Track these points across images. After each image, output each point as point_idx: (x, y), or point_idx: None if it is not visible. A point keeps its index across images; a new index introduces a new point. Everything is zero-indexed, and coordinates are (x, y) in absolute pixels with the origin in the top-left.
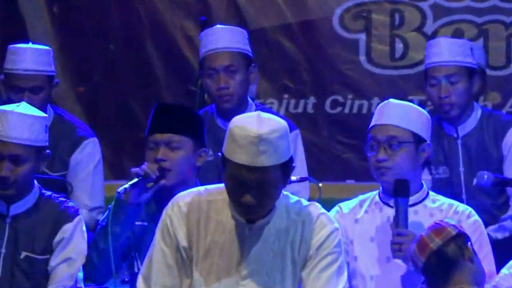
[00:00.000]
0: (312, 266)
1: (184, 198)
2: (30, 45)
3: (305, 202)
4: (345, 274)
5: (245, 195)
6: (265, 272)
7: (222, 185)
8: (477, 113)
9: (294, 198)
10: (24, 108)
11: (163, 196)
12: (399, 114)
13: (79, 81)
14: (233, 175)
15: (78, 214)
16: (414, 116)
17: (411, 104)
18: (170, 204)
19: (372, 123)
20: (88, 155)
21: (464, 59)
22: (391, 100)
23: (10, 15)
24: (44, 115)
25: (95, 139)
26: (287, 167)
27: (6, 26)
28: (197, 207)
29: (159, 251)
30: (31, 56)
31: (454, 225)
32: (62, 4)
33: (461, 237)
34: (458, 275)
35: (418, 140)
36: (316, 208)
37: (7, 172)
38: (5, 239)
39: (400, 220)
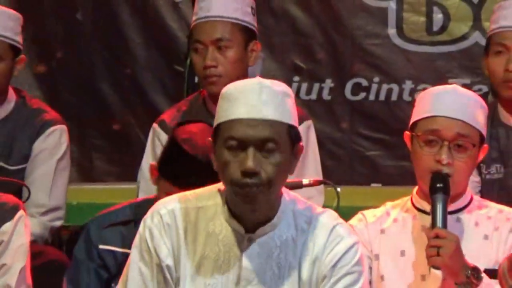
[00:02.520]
0: (328, 283)
1: (166, 205)
2: None
3: (318, 209)
4: None
5: (244, 162)
6: None
7: (212, 187)
8: None
9: (304, 204)
10: None
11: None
12: (468, 107)
13: (39, 60)
14: (229, 141)
15: (19, 210)
16: (480, 111)
17: (474, 94)
18: (149, 213)
19: (428, 113)
20: (54, 145)
21: None
22: (455, 87)
23: None
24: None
25: (64, 127)
26: (295, 136)
27: None
28: (183, 216)
29: (136, 273)
30: None
31: None
32: None
33: None
34: None
35: (482, 141)
36: (332, 216)
37: None
38: None
39: (437, 220)
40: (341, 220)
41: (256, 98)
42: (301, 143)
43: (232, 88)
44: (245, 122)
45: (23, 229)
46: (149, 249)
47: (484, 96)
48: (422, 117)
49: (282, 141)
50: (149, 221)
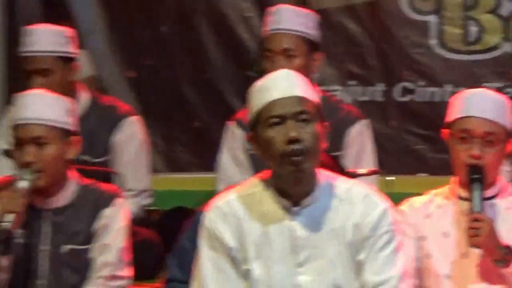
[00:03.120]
0: (369, 247)
1: (222, 198)
2: (39, 25)
3: (350, 181)
4: (405, 252)
5: (287, 133)
6: (322, 256)
7: (252, 179)
8: None
9: (337, 178)
10: (42, 91)
11: None
12: (495, 107)
13: (129, 66)
14: (269, 120)
15: (119, 197)
16: (506, 110)
17: (500, 96)
18: (208, 209)
19: (461, 114)
20: (131, 134)
21: None
22: (484, 90)
23: None
24: (63, 98)
25: (137, 117)
26: (321, 113)
27: (48, 7)
28: (238, 203)
29: (207, 260)
30: (37, 37)
31: None
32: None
33: None
34: None
35: (508, 136)
36: (364, 186)
37: (31, 157)
38: (47, 235)
39: (475, 206)
40: (372, 189)
41: (285, 81)
42: (326, 122)
43: (260, 82)
44: (281, 101)
45: (122, 214)
46: (216, 237)
47: None
48: (456, 117)
49: (313, 114)
50: (210, 213)
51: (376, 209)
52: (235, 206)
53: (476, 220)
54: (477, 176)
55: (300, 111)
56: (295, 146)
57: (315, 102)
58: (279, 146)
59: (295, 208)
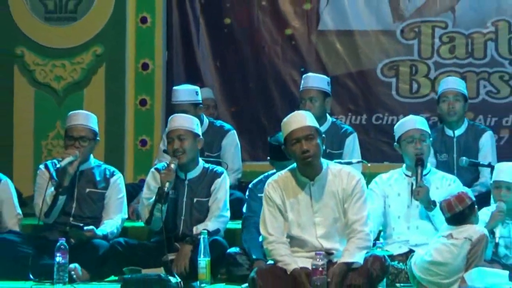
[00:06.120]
0: (349, 200)
1: (272, 178)
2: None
3: (340, 165)
4: (369, 203)
5: (303, 146)
6: (328, 207)
7: (284, 170)
8: (465, 123)
9: (334, 164)
10: (186, 115)
11: None
12: (421, 122)
13: (231, 105)
14: (293, 141)
15: (223, 173)
16: (426, 123)
17: (423, 118)
18: (266, 184)
19: (407, 128)
20: (231, 141)
21: (463, 90)
22: (415, 116)
23: (189, 64)
24: (195, 118)
25: (235, 132)
26: (320, 133)
27: (187, 70)
28: (281, 181)
29: (267, 210)
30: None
31: (470, 197)
32: (222, 60)
33: (474, 203)
34: (469, 220)
35: (429, 136)
36: (348, 168)
37: (177, 145)
38: (185, 193)
39: (419, 179)
40: (352, 169)
41: (299, 118)
42: (323, 136)
43: (285, 119)
44: (297, 130)
45: (225, 183)
46: (271, 198)
47: None
48: (405, 130)
49: (315, 134)
50: (267, 187)
51: (353, 179)
52: (280, 183)
53: (419, 186)
54: (420, 162)
55: (307, 134)
56: (306, 154)
57: (315, 127)
58: (298, 155)
59: (311, 182)
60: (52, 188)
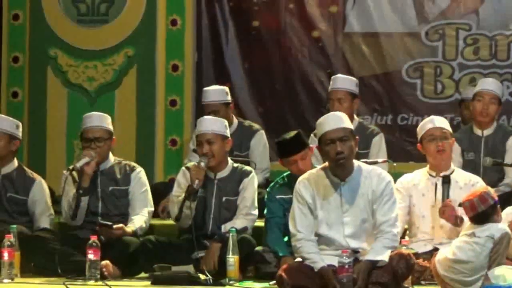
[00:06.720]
0: (379, 201)
1: (304, 177)
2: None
3: (370, 166)
4: (397, 205)
5: (337, 148)
6: (357, 207)
7: (315, 168)
8: (495, 123)
9: (365, 165)
10: (214, 117)
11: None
12: (443, 122)
13: (259, 105)
14: (327, 141)
15: (251, 172)
16: (447, 123)
17: (444, 118)
18: (297, 181)
19: (428, 127)
20: (259, 141)
21: (499, 93)
22: (437, 116)
23: (218, 65)
24: (224, 120)
25: (263, 132)
26: (354, 135)
27: (216, 71)
28: (313, 180)
29: (297, 208)
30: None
31: (493, 197)
32: (250, 62)
33: (496, 203)
34: (491, 219)
35: (452, 136)
36: (378, 169)
37: (206, 149)
38: (214, 192)
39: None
40: (383, 170)
41: (334, 119)
42: (357, 137)
43: (321, 119)
44: (332, 131)
45: (253, 182)
46: (301, 196)
47: None
48: (427, 129)
49: (349, 136)
50: (298, 184)
51: (383, 181)
52: (311, 181)
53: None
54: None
55: (342, 136)
56: (340, 156)
57: (350, 129)
58: (332, 156)
59: (342, 183)
60: (74, 190)
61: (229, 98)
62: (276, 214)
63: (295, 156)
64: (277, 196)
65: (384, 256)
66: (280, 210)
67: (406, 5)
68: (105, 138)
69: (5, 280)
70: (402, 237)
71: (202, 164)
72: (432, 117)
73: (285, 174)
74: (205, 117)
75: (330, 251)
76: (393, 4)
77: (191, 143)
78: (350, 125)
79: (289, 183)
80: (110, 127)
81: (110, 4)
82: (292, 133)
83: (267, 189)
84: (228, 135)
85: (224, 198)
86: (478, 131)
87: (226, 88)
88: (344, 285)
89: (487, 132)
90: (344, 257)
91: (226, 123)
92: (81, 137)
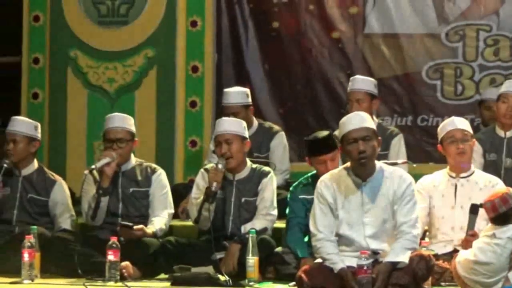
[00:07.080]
0: (399, 202)
1: (325, 176)
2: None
3: (392, 167)
4: (417, 206)
5: (359, 147)
6: (378, 208)
7: (341, 167)
8: None
9: (387, 165)
10: (234, 118)
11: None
12: (464, 123)
13: (279, 106)
14: (350, 140)
15: (270, 173)
16: (468, 124)
17: (465, 119)
18: (319, 181)
19: (449, 128)
20: (279, 142)
21: None
22: (458, 117)
23: (238, 66)
24: (243, 121)
25: (283, 133)
26: (377, 135)
27: (236, 72)
28: (334, 180)
29: (318, 207)
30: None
31: None
32: (270, 63)
33: None
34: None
35: (472, 137)
36: (400, 170)
37: (224, 150)
38: (233, 193)
39: (470, 227)
40: (404, 171)
41: (357, 119)
42: (379, 138)
43: (344, 118)
44: (354, 130)
45: (272, 183)
46: (323, 196)
47: None
48: (447, 130)
49: (372, 136)
50: (319, 184)
51: (405, 183)
52: (333, 181)
53: (471, 235)
54: (474, 211)
55: (365, 136)
56: (362, 155)
57: (373, 129)
58: (355, 155)
59: (363, 183)
60: (94, 190)
61: (249, 100)
62: (298, 214)
63: (325, 156)
64: (300, 196)
65: (404, 258)
66: (302, 210)
67: (426, 6)
68: (127, 139)
69: (26, 281)
70: (422, 238)
71: (220, 166)
72: (453, 118)
73: (309, 174)
74: (224, 118)
75: (350, 252)
76: (413, 5)
77: (211, 144)
78: (373, 125)
79: (313, 184)
80: (133, 128)
81: (131, 5)
82: (324, 133)
83: (290, 189)
84: (247, 136)
85: (243, 199)
86: (501, 132)
87: (247, 90)
88: (363, 286)
89: (510, 133)
90: (363, 258)
91: (245, 124)
92: (103, 137)
